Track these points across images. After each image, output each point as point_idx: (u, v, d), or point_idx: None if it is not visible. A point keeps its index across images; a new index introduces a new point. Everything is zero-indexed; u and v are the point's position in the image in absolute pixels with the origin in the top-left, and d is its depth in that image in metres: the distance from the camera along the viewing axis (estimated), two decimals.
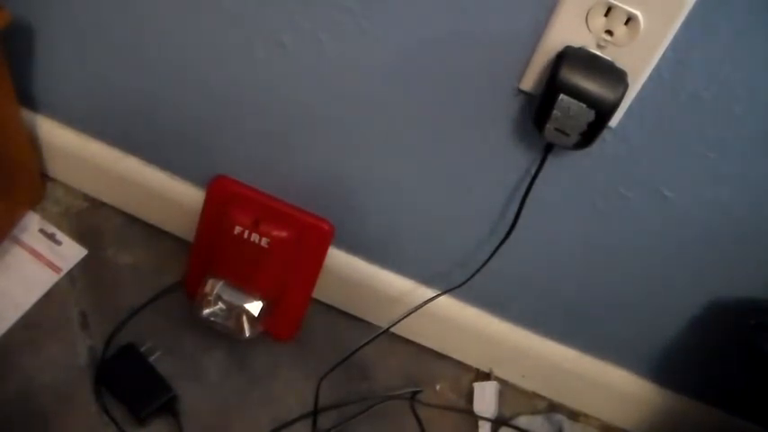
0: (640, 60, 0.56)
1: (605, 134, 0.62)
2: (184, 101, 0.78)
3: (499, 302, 0.85)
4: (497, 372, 0.92)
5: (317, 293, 0.89)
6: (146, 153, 0.87)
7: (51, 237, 0.89)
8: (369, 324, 0.92)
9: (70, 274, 0.88)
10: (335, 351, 0.87)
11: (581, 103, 0.56)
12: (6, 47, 0.75)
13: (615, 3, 0.53)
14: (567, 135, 0.59)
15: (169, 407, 0.80)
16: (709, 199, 0.65)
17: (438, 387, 0.90)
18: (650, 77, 0.57)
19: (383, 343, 0.89)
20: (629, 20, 0.54)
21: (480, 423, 0.88)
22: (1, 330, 0.81)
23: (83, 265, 0.89)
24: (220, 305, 0.81)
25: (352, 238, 0.84)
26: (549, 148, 0.64)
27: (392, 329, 0.85)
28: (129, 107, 0.82)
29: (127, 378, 0.81)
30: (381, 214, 0.80)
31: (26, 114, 0.87)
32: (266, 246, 0.79)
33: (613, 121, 0.61)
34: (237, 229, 0.79)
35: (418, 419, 0.87)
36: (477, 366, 0.93)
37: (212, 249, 0.83)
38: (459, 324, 0.87)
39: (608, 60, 0.56)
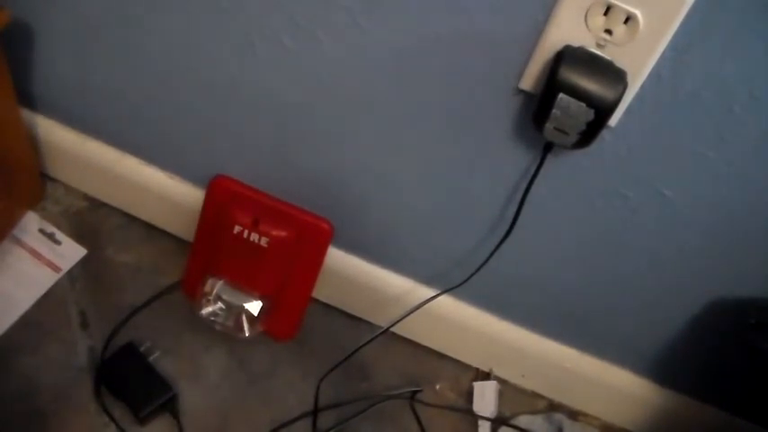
0: (640, 59, 0.56)
1: (605, 133, 0.62)
2: (184, 101, 0.78)
3: (499, 302, 0.85)
4: (497, 371, 0.92)
5: (317, 293, 0.89)
6: (145, 153, 0.87)
7: (51, 236, 0.89)
8: (369, 324, 0.92)
9: (70, 273, 0.88)
10: (335, 351, 0.87)
11: (580, 103, 0.56)
12: (6, 47, 0.75)
13: (614, 2, 0.53)
14: (567, 134, 0.59)
15: (169, 406, 0.80)
16: (710, 199, 0.65)
17: (438, 387, 0.90)
18: (649, 77, 0.57)
19: (383, 343, 0.89)
20: (629, 19, 0.54)
21: (480, 422, 0.88)
22: (1, 330, 0.81)
23: (82, 264, 0.89)
24: (220, 305, 0.81)
25: (352, 238, 0.84)
26: (548, 148, 0.64)
27: (392, 329, 0.85)
28: (128, 107, 0.82)
29: (126, 378, 0.81)
30: (381, 214, 0.80)
31: (26, 114, 0.87)
32: (266, 245, 0.79)
33: (613, 121, 0.61)
34: (237, 229, 0.79)
35: (418, 419, 0.87)
36: (477, 366, 0.93)
37: (212, 249, 0.83)
38: (458, 324, 0.87)
39: (607, 59, 0.56)
